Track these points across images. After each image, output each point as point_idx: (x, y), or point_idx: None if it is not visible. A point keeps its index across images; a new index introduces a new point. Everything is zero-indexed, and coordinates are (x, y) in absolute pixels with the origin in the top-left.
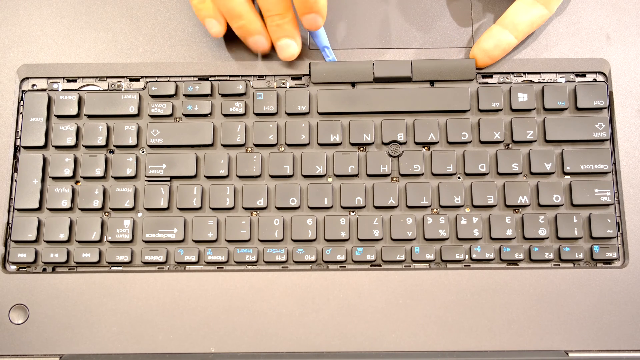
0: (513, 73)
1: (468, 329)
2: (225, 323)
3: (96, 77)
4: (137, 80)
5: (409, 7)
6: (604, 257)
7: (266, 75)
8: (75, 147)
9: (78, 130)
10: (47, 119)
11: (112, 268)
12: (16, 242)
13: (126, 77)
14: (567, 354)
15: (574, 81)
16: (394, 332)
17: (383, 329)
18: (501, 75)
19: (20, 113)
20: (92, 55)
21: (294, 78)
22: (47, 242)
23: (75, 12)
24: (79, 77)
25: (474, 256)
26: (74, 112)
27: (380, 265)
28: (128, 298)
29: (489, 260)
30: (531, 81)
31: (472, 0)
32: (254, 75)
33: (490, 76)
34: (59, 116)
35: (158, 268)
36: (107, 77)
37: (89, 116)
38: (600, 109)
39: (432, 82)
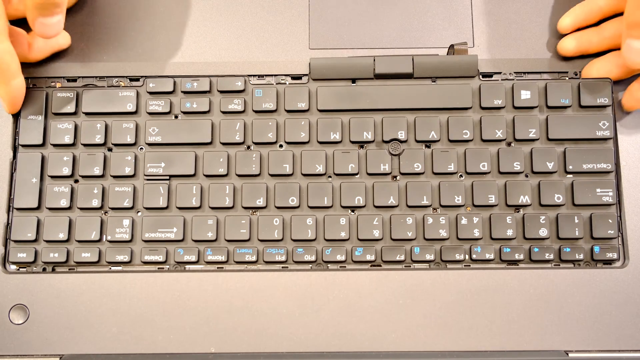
0: (513, 73)
1: (468, 329)
2: (225, 323)
3: (96, 77)
4: (137, 80)
5: (409, 7)
6: (604, 257)
7: (266, 75)
8: (73, 145)
9: (76, 128)
10: (45, 117)
11: (112, 268)
12: (16, 241)
13: (126, 76)
14: (567, 354)
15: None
16: (394, 332)
17: (383, 329)
18: (501, 75)
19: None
20: (91, 55)
21: (293, 77)
22: (47, 241)
23: (75, 12)
24: (79, 77)
25: (474, 256)
26: (72, 109)
27: (380, 266)
28: (128, 298)
29: (489, 261)
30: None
31: (472, 0)
32: (253, 75)
33: (490, 76)
34: (56, 114)
35: (158, 268)
36: (107, 77)
37: (87, 114)
38: (604, 106)
39: (433, 79)
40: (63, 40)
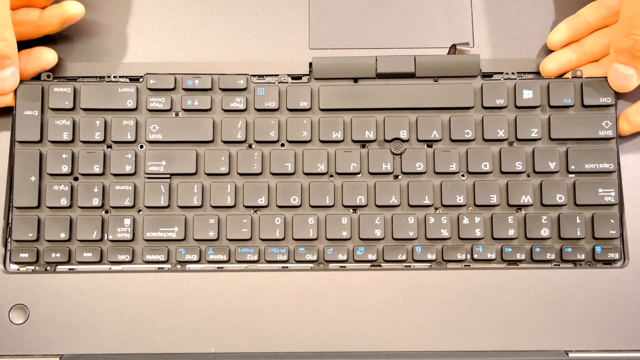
0: (515, 73)
1: (468, 329)
2: (225, 323)
3: (96, 77)
4: (137, 80)
5: (409, 7)
6: (606, 257)
7: (266, 75)
8: (72, 142)
9: (74, 124)
10: (42, 113)
11: (112, 268)
12: (17, 241)
13: (126, 76)
14: (567, 354)
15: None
16: (394, 332)
17: (383, 329)
18: (503, 74)
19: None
20: (91, 55)
21: (293, 78)
22: (48, 241)
23: None
24: (79, 77)
25: (475, 256)
26: (70, 105)
27: (381, 265)
28: (128, 298)
29: (490, 261)
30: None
31: (472, 0)
32: (253, 75)
33: (491, 76)
34: (53, 109)
35: (158, 268)
36: (107, 76)
37: (85, 110)
38: (607, 106)
39: (435, 79)
40: (50, 57)
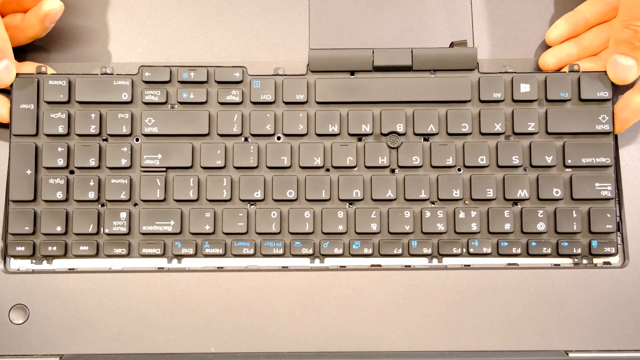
0: (513, 73)
1: (468, 329)
2: (225, 323)
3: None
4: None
5: (409, 8)
6: (602, 252)
7: (265, 75)
8: (67, 135)
9: (69, 117)
10: (37, 106)
11: (112, 267)
12: (13, 235)
13: (126, 75)
14: (567, 354)
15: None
16: (394, 332)
17: (383, 329)
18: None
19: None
20: (91, 56)
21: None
22: (45, 234)
23: (74, 12)
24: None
25: (471, 250)
26: (65, 98)
27: (378, 263)
28: (128, 298)
29: (486, 255)
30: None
31: (472, 0)
32: (253, 75)
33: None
34: (49, 102)
35: (158, 268)
36: (102, 67)
37: (80, 103)
38: (604, 100)
39: (432, 72)
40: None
